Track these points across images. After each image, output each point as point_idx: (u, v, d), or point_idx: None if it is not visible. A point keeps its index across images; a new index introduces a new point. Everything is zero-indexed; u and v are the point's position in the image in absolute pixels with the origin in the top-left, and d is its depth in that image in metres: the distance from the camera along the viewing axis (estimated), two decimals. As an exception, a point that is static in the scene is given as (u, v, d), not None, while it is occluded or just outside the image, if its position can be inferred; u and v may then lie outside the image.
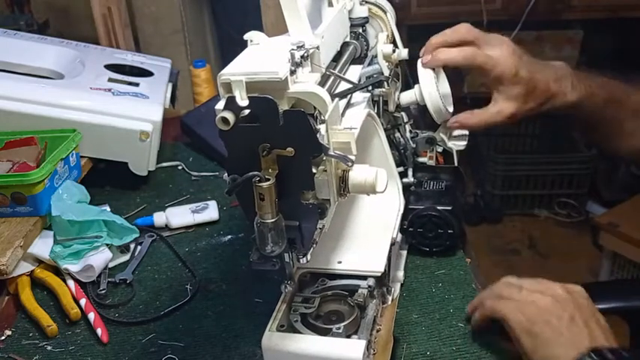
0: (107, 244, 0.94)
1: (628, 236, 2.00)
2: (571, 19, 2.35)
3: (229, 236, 1.03)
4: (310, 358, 0.66)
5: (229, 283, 0.92)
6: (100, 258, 0.93)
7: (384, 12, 0.91)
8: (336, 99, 0.64)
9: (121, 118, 1.13)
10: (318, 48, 0.63)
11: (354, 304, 0.72)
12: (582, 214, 2.56)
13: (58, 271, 0.93)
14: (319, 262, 0.77)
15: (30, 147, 1.05)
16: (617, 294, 1.09)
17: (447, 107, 0.90)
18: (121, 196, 1.17)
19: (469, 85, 2.05)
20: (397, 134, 0.95)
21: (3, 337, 0.83)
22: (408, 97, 0.92)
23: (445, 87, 0.92)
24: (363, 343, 0.66)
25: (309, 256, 0.64)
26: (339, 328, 0.69)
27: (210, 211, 1.07)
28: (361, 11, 0.87)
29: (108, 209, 1.08)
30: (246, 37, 0.63)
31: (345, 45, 0.82)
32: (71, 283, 0.90)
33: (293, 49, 0.58)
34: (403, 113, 0.96)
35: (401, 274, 0.87)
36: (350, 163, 0.59)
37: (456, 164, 1.00)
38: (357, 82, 0.75)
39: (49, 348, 0.81)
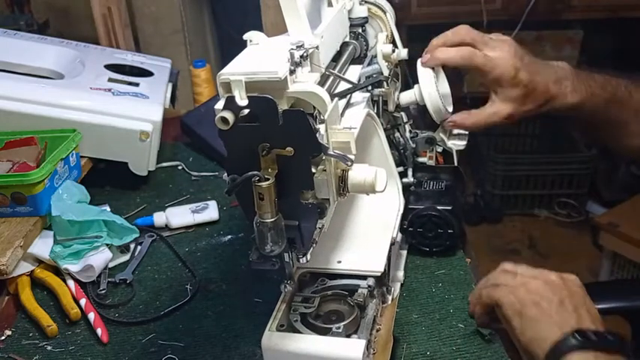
0: (107, 244, 0.94)
1: (628, 236, 2.00)
2: (571, 19, 2.35)
3: (229, 236, 1.03)
4: (310, 357, 0.66)
5: (229, 283, 0.92)
6: (100, 258, 0.93)
7: (384, 12, 0.91)
8: (336, 99, 0.64)
9: (121, 118, 1.13)
10: (317, 48, 0.64)
11: (354, 304, 0.72)
12: (582, 214, 2.56)
13: (58, 271, 0.93)
14: (319, 262, 0.77)
15: (30, 147, 1.05)
16: (618, 294, 1.09)
17: (446, 107, 0.90)
18: (121, 196, 1.17)
19: (469, 85, 2.04)
20: (397, 134, 0.95)
21: (3, 337, 0.83)
22: (407, 97, 0.92)
23: (445, 87, 0.92)
24: (362, 342, 0.66)
25: (308, 256, 0.64)
26: (338, 328, 0.69)
27: (210, 211, 1.07)
28: (361, 11, 0.87)
29: (108, 209, 1.08)
30: (245, 37, 0.63)
31: (344, 45, 0.83)
32: (71, 283, 0.91)
33: (292, 49, 0.58)
34: (403, 113, 0.96)
35: (401, 274, 0.87)
36: (349, 163, 0.59)
37: (455, 164, 1.00)
38: (356, 82, 0.75)
39: (49, 348, 0.81)
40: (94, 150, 1.14)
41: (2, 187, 0.93)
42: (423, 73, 0.88)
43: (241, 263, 0.96)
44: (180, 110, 1.45)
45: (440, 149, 0.99)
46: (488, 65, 0.85)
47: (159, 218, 1.07)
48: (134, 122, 1.14)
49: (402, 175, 0.93)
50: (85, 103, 1.13)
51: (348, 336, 0.69)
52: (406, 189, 0.93)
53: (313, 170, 0.59)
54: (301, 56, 0.59)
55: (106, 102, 1.15)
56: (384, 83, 0.86)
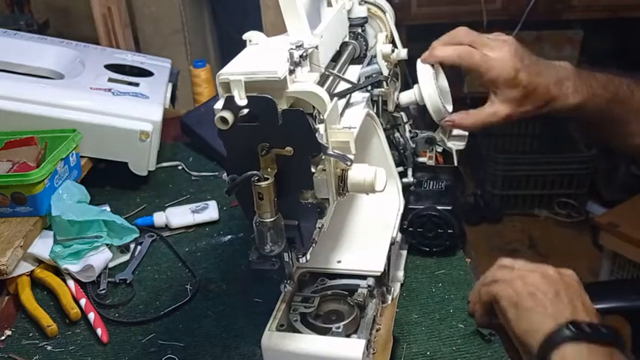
0: (107, 244, 0.94)
1: (628, 236, 2.00)
2: (571, 19, 2.35)
3: (229, 236, 1.03)
4: (310, 357, 0.66)
5: (229, 283, 0.92)
6: (100, 258, 0.93)
7: (383, 12, 0.91)
8: (335, 99, 0.64)
9: (121, 118, 1.13)
10: (317, 48, 0.64)
11: (354, 304, 0.72)
12: (582, 214, 2.56)
13: (58, 271, 0.93)
14: (319, 262, 0.77)
15: (30, 147, 1.05)
16: (619, 294, 1.09)
17: (446, 107, 0.90)
18: (121, 196, 1.17)
19: (469, 85, 2.04)
20: (397, 134, 0.95)
21: (3, 337, 0.83)
22: (407, 97, 0.92)
23: (444, 87, 0.92)
24: (362, 342, 0.66)
25: (308, 256, 0.64)
26: (338, 328, 0.69)
27: (210, 211, 1.07)
28: (360, 11, 0.87)
29: (108, 209, 1.08)
30: (245, 37, 0.63)
31: (344, 45, 0.83)
32: (71, 283, 0.91)
33: (292, 49, 0.58)
34: (403, 113, 0.96)
35: (401, 273, 0.87)
36: (349, 163, 0.59)
37: (455, 164, 1.00)
38: (356, 82, 0.75)
39: (49, 348, 0.81)
40: (94, 150, 1.14)
41: (2, 187, 0.93)
42: (423, 73, 0.88)
43: (241, 263, 0.96)
44: (180, 110, 1.45)
45: (440, 149, 0.99)
46: (486, 65, 0.85)
47: (159, 218, 1.07)
48: (134, 122, 1.14)
49: (402, 175, 0.93)
50: (85, 103, 1.13)
51: (348, 336, 0.69)
52: (406, 189, 0.93)
53: (313, 170, 0.59)
54: (301, 56, 0.59)
55: (106, 102, 1.15)
56: (384, 83, 0.86)
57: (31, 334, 0.84)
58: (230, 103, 0.54)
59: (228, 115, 0.54)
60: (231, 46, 1.80)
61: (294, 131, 0.56)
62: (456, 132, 0.96)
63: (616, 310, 1.04)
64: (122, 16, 1.67)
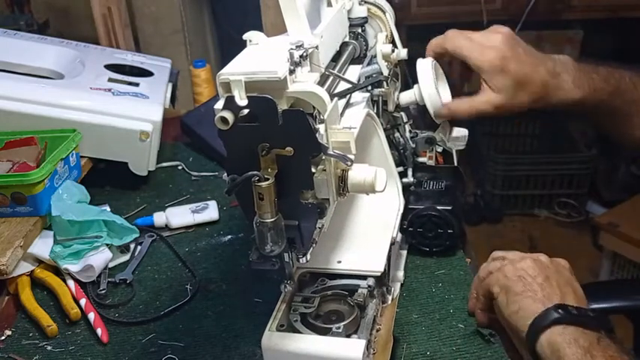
0: (107, 244, 0.94)
1: (628, 236, 2.00)
2: (571, 19, 2.35)
3: (229, 236, 1.03)
4: (310, 357, 0.66)
5: (229, 283, 0.92)
6: (100, 258, 0.93)
7: (383, 12, 0.91)
8: (335, 99, 0.64)
9: (121, 118, 1.13)
10: (317, 48, 0.64)
11: (354, 304, 0.72)
12: (582, 214, 2.56)
13: (58, 271, 0.93)
14: (319, 262, 0.77)
15: (30, 147, 1.05)
16: (621, 293, 1.09)
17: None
18: (121, 196, 1.17)
19: (469, 85, 2.05)
20: (397, 134, 0.95)
21: (3, 337, 0.83)
22: (407, 97, 0.92)
23: (444, 87, 0.91)
24: (362, 342, 0.66)
25: (308, 256, 0.64)
26: (338, 328, 0.69)
27: (210, 211, 1.07)
28: (360, 11, 0.87)
29: (108, 209, 1.08)
30: (245, 37, 0.63)
31: (344, 45, 0.83)
32: (71, 283, 0.91)
33: (292, 49, 0.58)
34: (403, 113, 0.96)
35: (401, 273, 0.87)
36: (349, 163, 0.59)
37: (455, 164, 1.00)
38: (356, 82, 0.75)
39: (49, 348, 0.81)
40: (94, 150, 1.14)
41: (2, 187, 0.93)
42: (423, 73, 0.88)
43: (241, 263, 0.96)
44: (180, 110, 1.45)
45: (440, 149, 0.99)
46: (470, 49, 0.84)
47: (159, 218, 1.07)
48: (134, 122, 1.14)
49: (402, 175, 0.93)
50: (85, 103, 1.13)
51: (348, 336, 0.69)
52: (406, 189, 0.93)
53: (313, 170, 0.59)
54: (301, 56, 0.59)
55: (106, 102, 1.15)
56: (384, 83, 0.86)
57: (31, 334, 0.84)
58: (230, 103, 0.54)
59: (229, 115, 0.54)
60: (231, 46, 1.80)
61: (295, 131, 0.56)
62: (455, 132, 0.96)
63: (618, 310, 1.05)
64: (122, 16, 1.67)
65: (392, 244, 0.80)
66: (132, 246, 1.00)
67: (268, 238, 0.58)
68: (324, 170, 0.59)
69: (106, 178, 1.20)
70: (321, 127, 0.57)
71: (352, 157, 0.60)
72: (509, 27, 0.87)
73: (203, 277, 0.93)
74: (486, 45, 0.84)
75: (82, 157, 1.12)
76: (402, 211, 0.88)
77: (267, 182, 0.56)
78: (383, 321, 0.76)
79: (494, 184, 2.57)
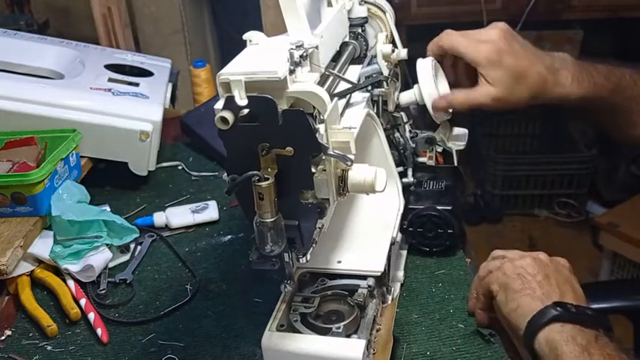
0: (107, 244, 0.94)
1: (628, 236, 2.00)
2: (571, 19, 2.35)
3: (229, 236, 1.03)
4: (310, 357, 0.66)
5: (229, 283, 0.92)
6: (100, 258, 0.93)
7: (384, 12, 0.91)
8: (335, 99, 0.64)
9: (121, 118, 1.13)
10: (317, 48, 0.64)
11: (354, 304, 0.72)
12: (582, 214, 2.56)
13: (58, 271, 0.93)
14: (319, 262, 0.77)
15: (30, 147, 1.05)
16: (621, 294, 1.09)
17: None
18: (121, 196, 1.17)
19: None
20: (397, 134, 0.95)
21: (3, 337, 0.83)
22: (407, 97, 0.92)
23: (444, 87, 0.91)
24: (362, 342, 0.66)
25: (308, 256, 0.64)
26: (338, 328, 0.69)
27: (210, 211, 1.07)
28: (360, 11, 0.87)
29: (108, 209, 1.08)
30: (245, 37, 0.63)
31: (344, 45, 0.83)
32: (71, 283, 0.90)
33: (292, 49, 0.58)
34: (403, 113, 0.96)
35: (401, 273, 0.87)
36: (349, 163, 0.59)
37: (455, 164, 1.00)
38: (356, 82, 0.75)
39: (49, 348, 0.81)
40: (94, 150, 1.14)
41: (2, 187, 0.93)
42: (423, 72, 0.88)
43: (241, 263, 0.96)
44: (180, 110, 1.45)
45: (440, 149, 0.99)
46: (465, 44, 0.85)
47: (159, 218, 1.07)
48: (134, 122, 1.14)
49: (402, 175, 0.93)
50: (85, 103, 1.13)
51: (348, 336, 0.69)
52: (406, 189, 0.93)
53: (313, 170, 0.59)
54: (301, 56, 0.59)
55: (106, 102, 1.15)
56: (384, 83, 0.86)
57: (31, 334, 0.84)
58: (230, 103, 0.54)
59: (229, 115, 0.54)
60: (231, 46, 1.80)
61: (295, 131, 0.56)
62: (455, 132, 0.96)
63: (618, 310, 1.05)
64: (122, 16, 1.67)
65: (392, 244, 0.80)
66: (132, 246, 1.00)
67: (268, 238, 0.58)
68: (324, 170, 0.59)
69: (106, 178, 1.20)
70: (321, 127, 0.57)
71: (352, 157, 0.60)
72: (509, 26, 0.87)
73: (203, 277, 0.93)
74: (482, 39, 0.84)
75: (82, 157, 1.12)
76: (402, 211, 0.88)
77: (267, 182, 0.56)
78: (383, 321, 0.76)
79: (494, 184, 2.57)
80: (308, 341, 0.67)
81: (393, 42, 0.92)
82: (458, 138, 0.96)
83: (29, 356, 0.80)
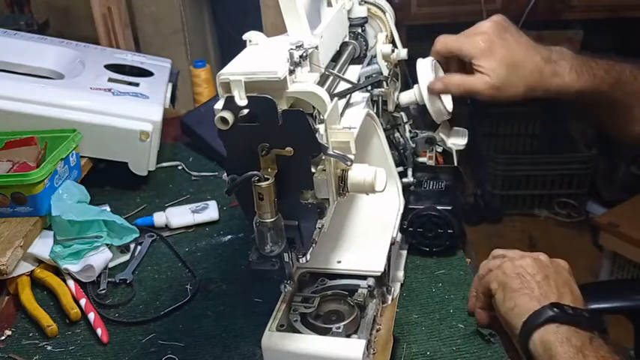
0: (107, 244, 0.94)
1: (628, 236, 2.00)
2: (571, 19, 2.35)
3: (229, 236, 1.03)
4: (310, 357, 0.66)
5: (229, 283, 0.92)
6: (100, 258, 0.93)
7: (383, 12, 0.91)
8: (335, 99, 0.64)
9: (121, 118, 1.13)
10: (317, 48, 0.63)
11: (354, 304, 0.72)
12: (582, 214, 2.56)
13: (58, 271, 0.93)
14: (319, 262, 0.77)
15: (30, 147, 1.05)
16: (622, 294, 1.09)
17: (446, 107, 0.90)
18: (121, 196, 1.17)
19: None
20: (397, 134, 0.95)
21: (3, 337, 0.83)
22: (407, 97, 0.92)
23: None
24: (362, 342, 0.66)
25: (308, 256, 0.64)
26: (338, 328, 0.69)
27: (210, 211, 1.07)
28: (360, 11, 0.87)
29: (108, 209, 1.08)
30: (245, 37, 0.63)
31: (344, 45, 0.83)
32: (71, 283, 0.91)
33: (292, 49, 0.58)
34: (403, 113, 0.96)
35: (401, 273, 0.87)
36: (349, 163, 0.59)
37: (455, 164, 1.00)
38: (356, 82, 0.75)
39: (49, 348, 0.81)
40: (94, 150, 1.14)
41: (2, 187, 0.93)
42: (423, 73, 0.89)
43: (241, 263, 0.96)
44: (180, 110, 1.45)
45: (440, 149, 0.99)
46: (463, 40, 0.85)
47: (159, 218, 1.07)
48: (134, 122, 1.14)
49: (402, 175, 0.93)
50: (85, 103, 1.13)
51: (348, 336, 0.69)
52: (406, 189, 0.93)
53: (313, 170, 0.59)
54: (301, 56, 0.59)
55: (106, 102, 1.15)
56: (384, 83, 0.86)
57: (31, 334, 0.84)
58: (230, 103, 0.54)
59: (228, 116, 0.54)
60: (231, 46, 1.80)
61: (294, 131, 0.56)
62: (455, 132, 0.96)
63: (618, 310, 1.05)
64: (122, 16, 1.67)
65: (392, 244, 0.80)
66: (132, 246, 1.00)
67: (268, 238, 0.58)
68: (324, 170, 0.60)
69: (106, 178, 1.20)
70: (321, 127, 0.57)
71: (352, 157, 0.60)
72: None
73: (203, 277, 0.93)
74: (475, 32, 0.85)
75: (82, 157, 1.12)
76: (402, 211, 0.88)
77: (267, 182, 0.56)
78: (383, 321, 0.76)
79: (494, 184, 2.57)
80: (308, 341, 0.67)
81: (392, 42, 0.92)
82: (458, 138, 0.96)
83: (29, 356, 0.80)
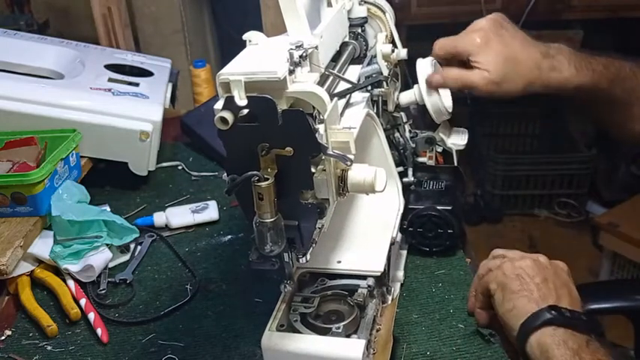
0: (107, 244, 0.94)
1: (628, 236, 2.00)
2: (571, 19, 2.35)
3: (229, 236, 1.03)
4: (310, 357, 0.66)
5: (229, 283, 0.92)
6: (100, 258, 0.93)
7: (383, 12, 0.91)
8: (335, 99, 0.64)
9: (121, 118, 1.13)
10: (316, 48, 0.63)
11: (354, 304, 0.72)
12: (582, 214, 2.56)
13: (58, 271, 0.93)
14: (319, 262, 0.77)
15: (30, 147, 1.05)
16: (622, 294, 1.09)
17: (446, 107, 0.90)
18: (121, 196, 1.17)
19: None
20: (397, 134, 0.95)
21: (3, 337, 0.83)
22: (407, 97, 0.92)
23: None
24: (362, 342, 0.66)
25: (308, 256, 0.64)
26: (338, 328, 0.69)
27: (210, 211, 1.07)
28: (360, 11, 0.87)
29: (108, 209, 1.08)
30: (245, 37, 0.63)
31: (344, 45, 0.83)
32: (71, 283, 0.91)
33: (292, 49, 0.58)
34: (402, 113, 0.96)
35: (401, 273, 0.87)
36: (349, 163, 0.59)
37: (455, 164, 1.00)
38: (356, 82, 0.75)
39: (49, 348, 0.81)
40: (94, 150, 1.14)
41: (2, 187, 0.93)
42: (423, 73, 0.89)
43: (241, 263, 0.96)
44: (180, 110, 1.45)
45: (440, 149, 0.99)
46: (460, 38, 0.86)
47: (159, 218, 1.07)
48: (134, 122, 1.14)
49: (402, 175, 0.93)
50: (85, 103, 1.13)
51: (348, 336, 0.69)
52: (406, 189, 0.93)
53: (313, 170, 0.59)
54: (300, 56, 0.59)
55: (106, 102, 1.15)
56: (384, 83, 0.86)
57: (31, 334, 0.84)
58: (230, 104, 0.54)
59: (228, 116, 0.54)
60: (231, 46, 1.80)
61: (294, 131, 0.56)
62: (455, 132, 0.96)
63: (618, 310, 1.05)
64: (122, 16, 1.67)
65: (392, 244, 0.80)
66: (132, 246, 1.00)
67: (268, 238, 0.58)
68: (324, 170, 0.60)
69: (106, 178, 1.20)
70: (321, 127, 0.57)
71: (352, 157, 0.60)
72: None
73: (203, 277, 0.93)
74: (471, 30, 0.86)
75: (82, 157, 1.12)
76: (402, 211, 0.88)
77: (266, 182, 0.56)
78: (383, 321, 0.76)
79: (494, 184, 2.57)
80: (308, 341, 0.67)
81: (392, 42, 0.92)
82: (458, 138, 0.96)
83: (29, 356, 0.80)
